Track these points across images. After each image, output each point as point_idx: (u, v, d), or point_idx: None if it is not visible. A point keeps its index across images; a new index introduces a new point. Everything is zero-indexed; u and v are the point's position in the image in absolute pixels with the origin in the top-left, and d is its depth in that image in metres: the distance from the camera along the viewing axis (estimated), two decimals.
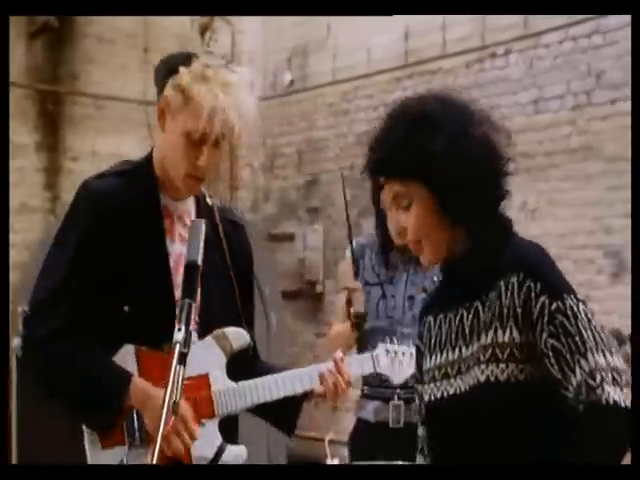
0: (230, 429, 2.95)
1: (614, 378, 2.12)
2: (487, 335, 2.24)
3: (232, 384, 2.93)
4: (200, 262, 2.47)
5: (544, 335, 2.17)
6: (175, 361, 2.28)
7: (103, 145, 8.38)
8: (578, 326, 2.16)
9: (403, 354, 3.51)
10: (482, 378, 2.22)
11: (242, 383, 2.95)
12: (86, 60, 8.40)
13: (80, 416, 2.88)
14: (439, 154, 2.23)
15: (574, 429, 2.15)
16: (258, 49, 9.67)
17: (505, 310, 2.22)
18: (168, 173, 2.91)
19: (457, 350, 2.31)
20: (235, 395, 2.93)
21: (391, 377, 3.53)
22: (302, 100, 9.48)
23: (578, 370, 2.13)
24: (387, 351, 3.48)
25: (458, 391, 2.29)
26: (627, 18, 7.02)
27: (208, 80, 2.81)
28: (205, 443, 2.85)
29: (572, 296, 2.19)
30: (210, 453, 2.87)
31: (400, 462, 3.70)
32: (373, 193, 4.29)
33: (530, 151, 7.62)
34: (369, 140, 2.36)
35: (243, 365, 2.96)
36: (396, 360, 3.49)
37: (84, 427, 2.90)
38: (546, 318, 2.17)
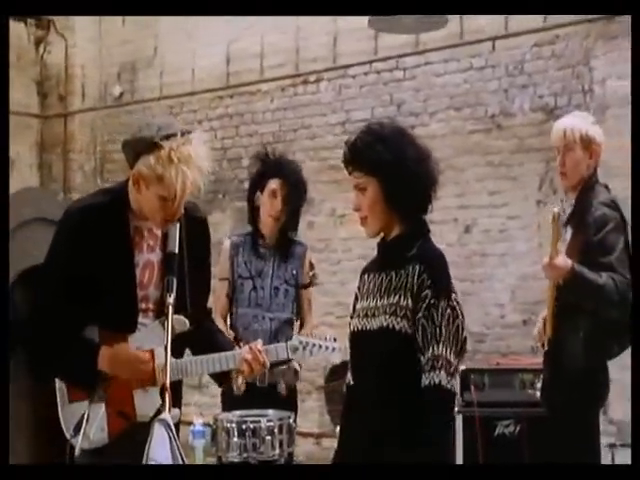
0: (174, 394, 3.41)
1: (448, 367, 3.12)
2: (394, 296, 3.23)
3: (172, 360, 3.39)
4: (176, 251, 3.50)
5: (419, 314, 3.16)
6: (170, 315, 3.33)
7: None
8: (441, 321, 3.15)
9: (314, 345, 4.11)
10: (385, 324, 3.23)
11: (179, 360, 3.58)
12: None
13: (70, 381, 3.54)
14: (390, 164, 3.20)
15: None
16: (90, 62, 10.04)
17: (408, 285, 3.20)
18: (145, 216, 3.52)
19: (375, 300, 3.31)
20: (172, 369, 3.40)
21: (300, 362, 4.38)
22: (131, 111, 9.82)
23: (431, 350, 3.15)
24: (300, 342, 4.08)
25: (370, 327, 3.30)
26: (423, 58, 8.12)
27: (174, 162, 3.38)
28: (148, 404, 3.51)
29: (446, 300, 3.17)
30: (151, 412, 3.47)
31: (269, 411, 4.73)
32: (249, 195, 5.41)
33: (338, 165, 8.34)
34: (348, 143, 3.33)
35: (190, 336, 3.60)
36: (307, 350, 4.07)
37: (57, 383, 3.55)
38: (425, 305, 3.16)
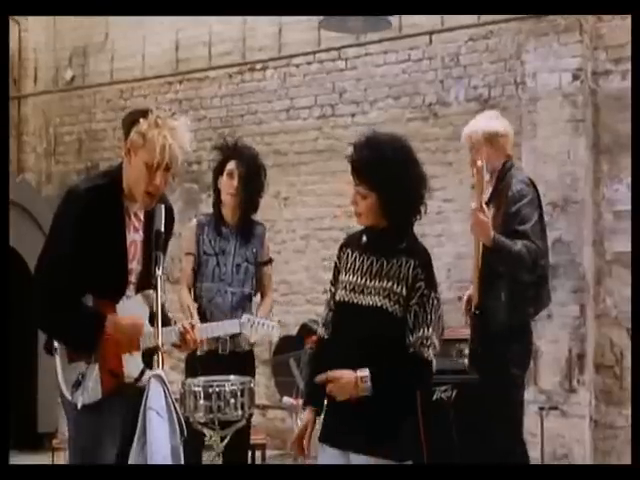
0: (151, 359, 3.81)
1: (434, 347, 3.59)
2: (387, 282, 3.66)
3: (150, 329, 3.86)
4: (162, 229, 3.89)
5: (412, 301, 3.61)
6: (159, 286, 3.74)
7: None
8: (431, 309, 3.60)
9: (258, 323, 5.04)
10: (379, 304, 3.66)
11: (152, 329, 3.85)
12: None
13: (75, 345, 3.88)
14: (390, 187, 3.61)
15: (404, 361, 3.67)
16: (42, 47, 10.23)
17: (401, 275, 3.64)
18: (132, 191, 3.87)
19: (364, 279, 3.71)
20: (151, 337, 3.82)
21: (249, 336, 5.09)
22: (82, 95, 10.06)
23: (421, 331, 3.60)
24: (249, 319, 5.01)
25: (360, 303, 3.71)
26: (364, 50, 8.54)
27: (159, 126, 3.75)
28: (133, 367, 3.91)
29: (434, 292, 3.64)
30: (136, 373, 3.90)
31: (231, 377, 5.11)
32: (213, 182, 5.79)
33: (283, 150, 8.91)
34: (353, 154, 3.66)
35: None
36: (254, 326, 5.01)
37: (56, 345, 3.87)
38: (418, 294, 3.61)
